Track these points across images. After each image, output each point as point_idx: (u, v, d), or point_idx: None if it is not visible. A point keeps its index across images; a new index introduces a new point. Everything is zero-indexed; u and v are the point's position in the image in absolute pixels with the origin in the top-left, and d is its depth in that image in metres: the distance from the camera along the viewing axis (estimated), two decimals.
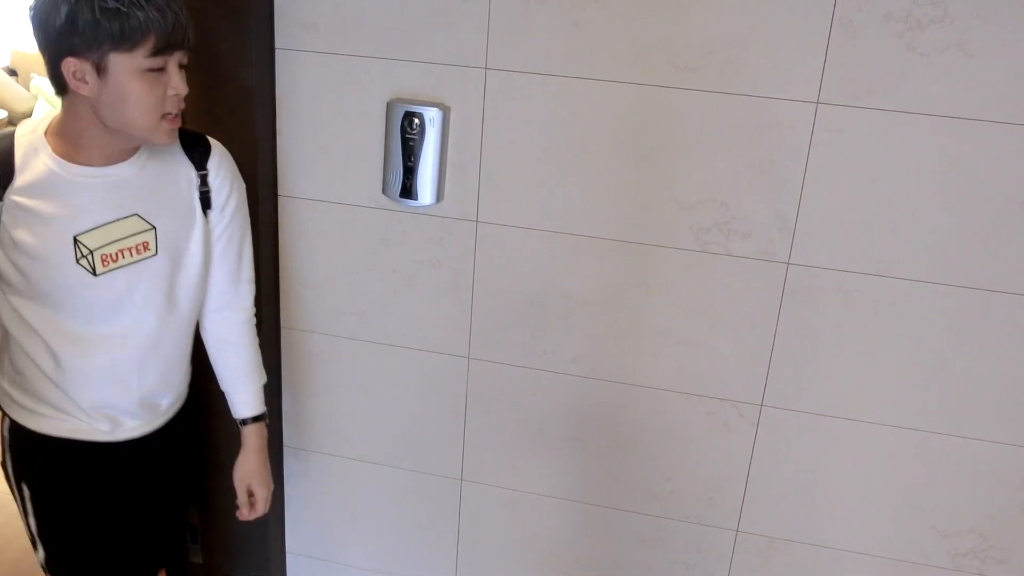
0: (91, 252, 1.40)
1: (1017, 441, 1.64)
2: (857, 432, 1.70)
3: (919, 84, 1.47)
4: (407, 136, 1.66)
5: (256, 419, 1.68)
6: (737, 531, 1.82)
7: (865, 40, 1.47)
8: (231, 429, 1.69)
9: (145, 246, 1.45)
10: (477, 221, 1.72)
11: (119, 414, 1.53)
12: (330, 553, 2.08)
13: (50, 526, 1.56)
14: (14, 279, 1.41)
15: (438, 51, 1.63)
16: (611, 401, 1.78)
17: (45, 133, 1.38)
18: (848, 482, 1.74)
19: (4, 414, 1.54)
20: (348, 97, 1.69)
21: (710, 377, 1.72)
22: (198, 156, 1.50)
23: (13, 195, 1.36)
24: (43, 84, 6.24)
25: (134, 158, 1.43)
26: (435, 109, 1.64)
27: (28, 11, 1.29)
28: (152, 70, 1.31)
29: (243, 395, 1.67)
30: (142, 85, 1.30)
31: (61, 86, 1.32)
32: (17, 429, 1.52)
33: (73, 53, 1.27)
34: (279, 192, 1.79)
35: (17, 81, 6.39)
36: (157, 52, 1.30)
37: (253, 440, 1.69)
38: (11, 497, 1.57)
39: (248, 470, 1.70)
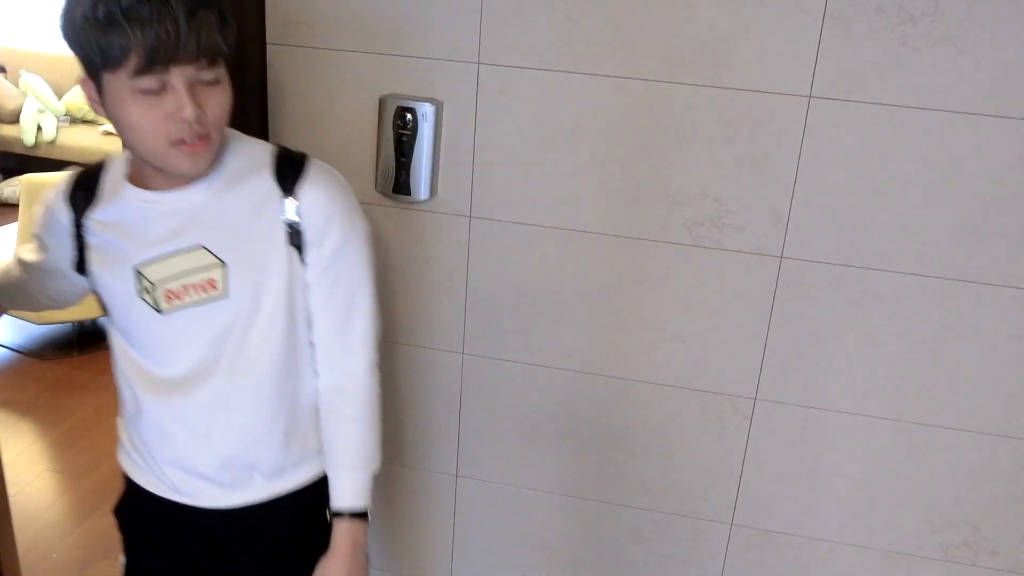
0: (153, 286, 1.27)
1: (1009, 433, 1.65)
2: (850, 425, 1.71)
3: (911, 78, 1.48)
4: (400, 132, 1.66)
5: (352, 515, 1.37)
6: (732, 524, 1.83)
7: (857, 34, 1.47)
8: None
9: (212, 284, 1.26)
10: (470, 216, 1.72)
11: (195, 477, 1.35)
12: None
13: (127, 572, 1.49)
14: (105, 309, 1.35)
15: (431, 46, 1.63)
16: (605, 396, 1.79)
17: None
18: (841, 475, 1.75)
19: None
20: (340, 93, 1.69)
21: (704, 371, 1.72)
22: (289, 181, 1.27)
23: (93, 220, 1.30)
24: (31, 81, 6.21)
25: (206, 182, 1.26)
26: (428, 104, 1.64)
27: None
28: (146, 91, 1.13)
29: (338, 480, 1.37)
30: (135, 108, 1.13)
31: None
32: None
33: (84, 71, 1.16)
34: None
35: (6, 78, 6.36)
36: (144, 70, 1.11)
37: (341, 541, 1.36)
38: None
39: None
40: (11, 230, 4.19)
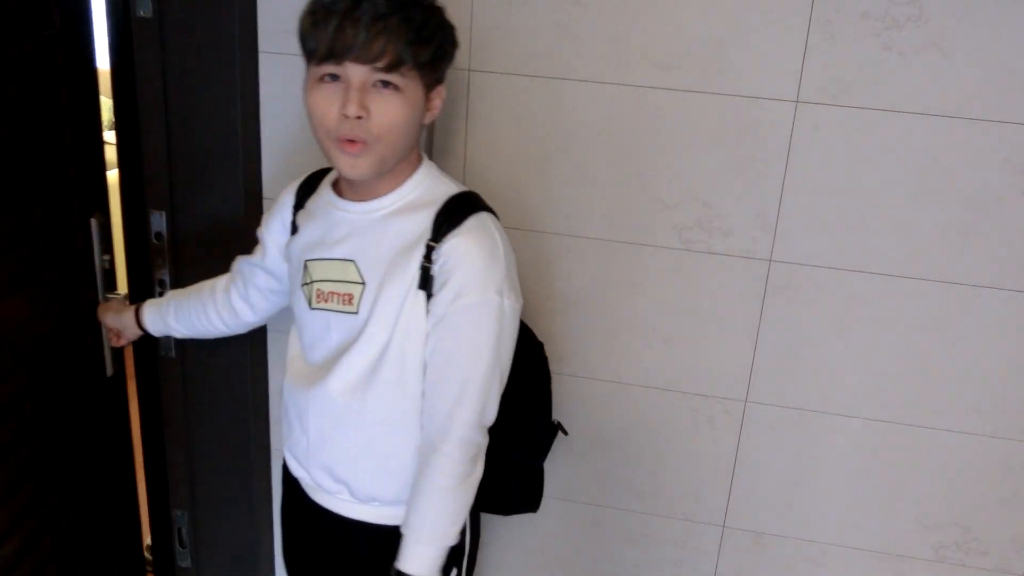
0: (311, 282, 1.34)
1: (997, 433, 1.67)
2: (840, 426, 1.72)
3: (896, 82, 1.49)
4: None
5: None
6: (723, 527, 1.84)
7: (843, 40, 1.49)
8: None
9: (349, 299, 1.30)
10: None
11: (302, 468, 1.44)
12: None
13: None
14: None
15: None
16: (597, 399, 1.80)
17: None
18: (832, 476, 1.76)
19: None
20: None
21: (695, 374, 1.73)
22: (444, 227, 1.25)
23: (303, 210, 1.41)
24: None
25: (380, 203, 1.29)
26: None
27: None
28: (325, 79, 1.19)
29: (405, 542, 1.31)
30: (315, 95, 1.20)
31: None
32: None
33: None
34: (263, 195, 1.79)
35: None
36: (324, 59, 1.17)
37: None
38: None
39: None
40: None
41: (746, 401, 1.74)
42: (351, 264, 1.30)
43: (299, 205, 1.42)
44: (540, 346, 1.52)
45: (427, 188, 1.30)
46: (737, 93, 1.55)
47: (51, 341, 1.64)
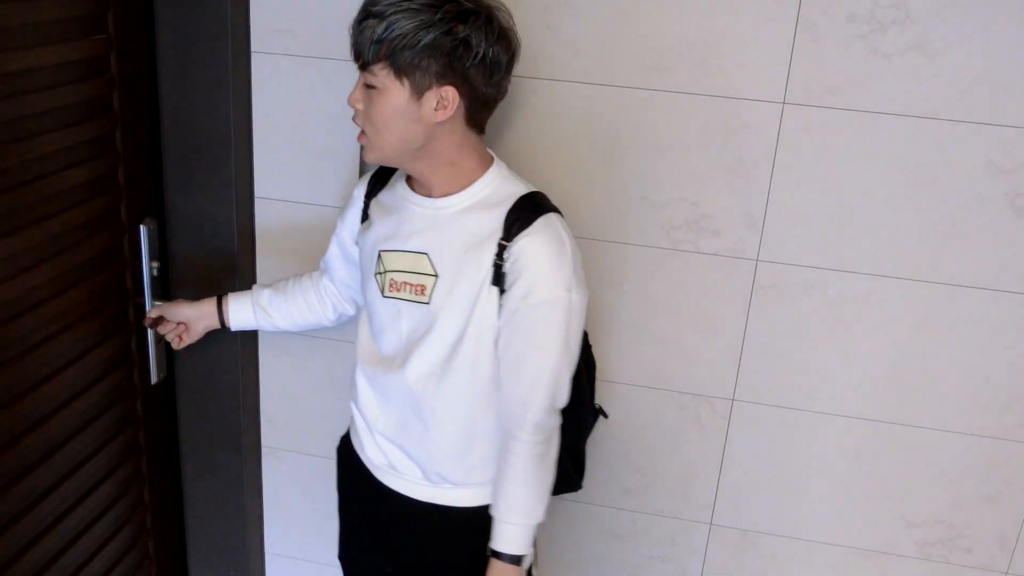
0: (384, 272, 1.42)
1: (981, 432, 1.69)
2: (826, 424, 1.74)
3: (882, 84, 1.51)
4: None
5: (502, 556, 1.42)
6: (711, 524, 1.85)
7: (829, 42, 1.50)
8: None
9: (421, 290, 1.38)
10: None
11: (376, 448, 1.52)
12: (309, 553, 2.09)
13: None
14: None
15: None
16: None
17: None
18: (818, 474, 1.78)
19: None
20: (323, 100, 1.71)
21: (682, 372, 1.75)
22: (515, 227, 1.33)
23: (376, 200, 1.50)
24: None
25: (452, 198, 1.37)
26: None
27: None
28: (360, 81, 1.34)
29: (496, 524, 1.43)
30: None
31: None
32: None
33: None
34: (256, 194, 1.80)
35: None
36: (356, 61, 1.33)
37: None
38: None
39: None
40: None
41: (733, 399, 1.75)
42: (424, 256, 1.38)
43: (371, 195, 1.52)
44: (585, 334, 1.55)
45: (496, 187, 1.38)
46: (725, 94, 1.56)
47: (96, 346, 1.64)
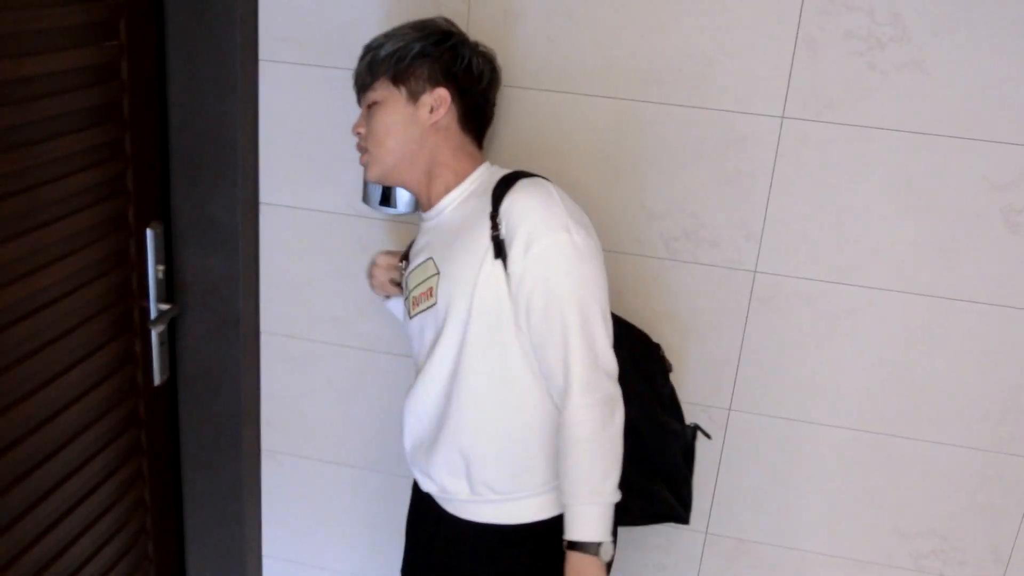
0: (408, 295, 1.46)
1: (975, 444, 1.70)
2: (822, 436, 1.75)
3: (879, 100, 1.53)
4: None
5: (577, 547, 1.32)
6: (707, 533, 1.87)
7: (827, 58, 1.53)
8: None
9: (430, 292, 1.39)
10: None
11: (424, 475, 1.48)
12: (306, 557, 2.10)
13: None
14: None
15: None
16: None
17: None
18: (813, 484, 1.79)
19: None
20: (329, 108, 1.73)
21: (680, 382, 1.76)
22: (498, 196, 1.33)
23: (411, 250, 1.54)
24: None
25: (444, 200, 1.42)
26: None
27: None
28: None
29: (566, 510, 1.34)
30: None
31: None
32: None
33: None
34: (261, 199, 1.82)
35: None
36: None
37: (569, 572, 1.33)
38: None
39: None
40: None
41: (730, 409, 1.77)
42: (429, 261, 1.41)
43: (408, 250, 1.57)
44: (657, 347, 1.58)
45: (484, 180, 1.41)
46: (724, 108, 1.59)
47: (101, 347, 1.65)
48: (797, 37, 1.53)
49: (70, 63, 1.45)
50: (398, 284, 1.59)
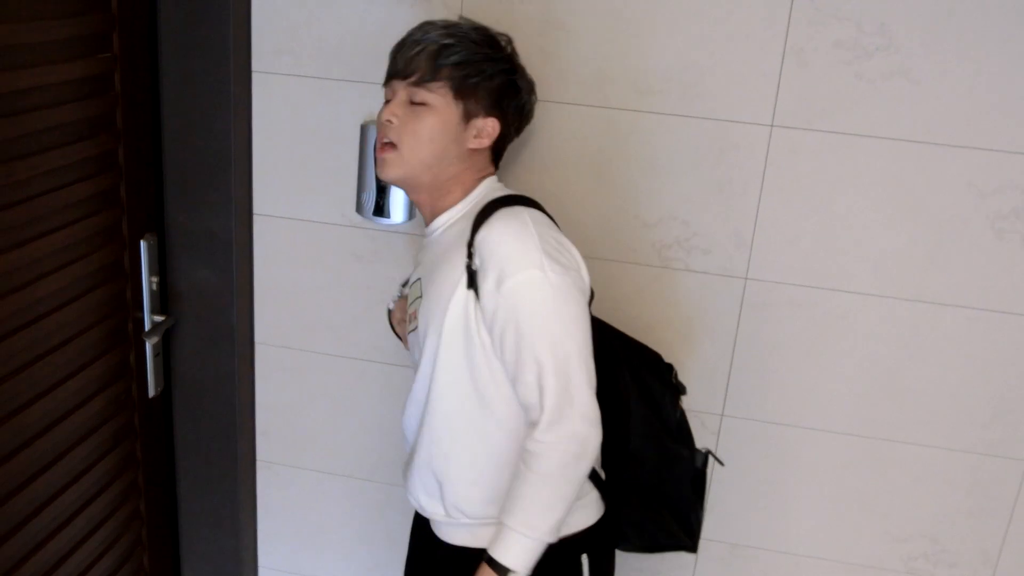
0: (408, 310, 1.44)
1: (964, 447, 1.72)
2: (813, 440, 1.76)
3: (867, 109, 1.55)
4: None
5: (492, 564, 1.28)
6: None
7: (816, 67, 1.55)
8: None
9: (415, 315, 1.37)
10: None
11: (411, 495, 1.47)
12: (302, 567, 2.10)
13: None
14: None
15: None
16: None
17: None
18: (805, 489, 1.80)
19: None
20: (322, 119, 1.74)
21: None
22: (477, 224, 1.30)
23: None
24: None
25: (437, 220, 1.39)
26: None
27: None
28: (386, 99, 1.36)
29: (500, 525, 1.30)
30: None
31: None
32: None
33: None
34: (254, 211, 1.83)
35: None
36: (384, 83, 1.37)
37: None
38: None
39: None
40: None
41: (722, 415, 1.78)
42: (419, 283, 1.39)
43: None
44: (669, 368, 1.50)
45: (478, 201, 1.37)
46: (715, 117, 1.60)
47: (96, 358, 1.65)
48: (786, 47, 1.55)
49: (64, 75, 1.46)
50: None
